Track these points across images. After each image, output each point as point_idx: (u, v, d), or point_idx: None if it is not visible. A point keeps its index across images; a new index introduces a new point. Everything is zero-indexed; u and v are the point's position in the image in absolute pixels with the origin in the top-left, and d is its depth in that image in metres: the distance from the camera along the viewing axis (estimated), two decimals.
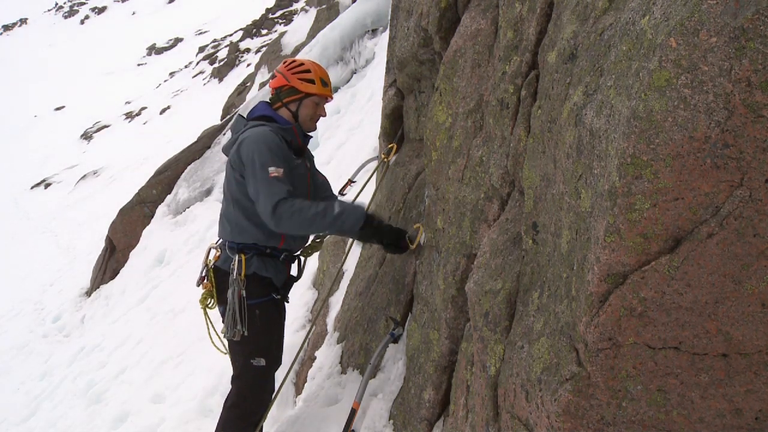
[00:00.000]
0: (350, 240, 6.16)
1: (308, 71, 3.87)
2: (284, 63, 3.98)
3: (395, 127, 5.66)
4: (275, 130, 3.70)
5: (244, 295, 3.71)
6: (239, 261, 3.73)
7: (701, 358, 1.87)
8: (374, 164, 6.30)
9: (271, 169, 3.47)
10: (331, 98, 4.01)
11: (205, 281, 3.90)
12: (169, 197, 13.17)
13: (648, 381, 1.92)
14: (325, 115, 3.99)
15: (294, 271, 4.13)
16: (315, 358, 5.13)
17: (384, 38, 10.79)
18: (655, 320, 1.86)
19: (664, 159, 1.71)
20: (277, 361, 4.02)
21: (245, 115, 3.92)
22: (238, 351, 3.81)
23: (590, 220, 1.97)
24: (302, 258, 4.20)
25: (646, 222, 1.78)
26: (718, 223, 1.73)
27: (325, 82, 3.91)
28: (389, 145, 5.58)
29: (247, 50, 32.75)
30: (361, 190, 5.42)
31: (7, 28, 76.89)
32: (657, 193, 1.74)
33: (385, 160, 5.60)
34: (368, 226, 3.68)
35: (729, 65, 1.60)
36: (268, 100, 3.97)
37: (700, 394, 1.91)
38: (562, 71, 2.36)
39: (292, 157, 3.74)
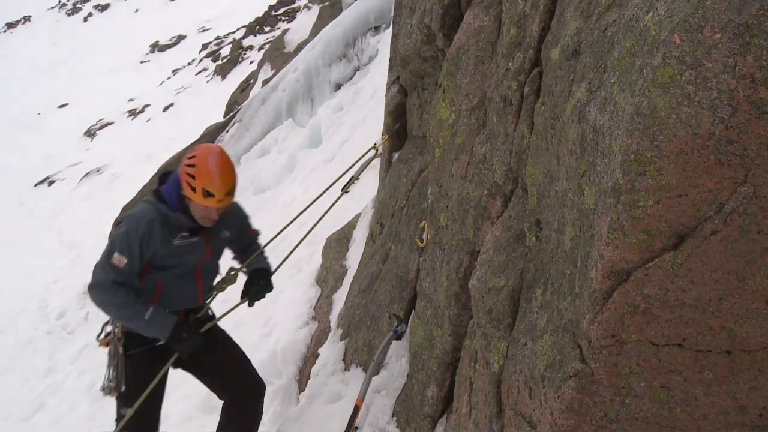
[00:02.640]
0: (353, 238, 6.17)
1: (193, 177, 3.44)
2: (189, 152, 3.59)
3: (398, 124, 5.66)
4: (158, 214, 3.55)
5: (122, 351, 3.72)
6: (115, 321, 3.76)
7: (705, 355, 1.87)
8: (378, 161, 6.31)
9: (115, 255, 3.47)
10: (221, 206, 3.54)
11: (102, 338, 3.88)
12: None
13: (651, 378, 1.92)
14: (216, 218, 3.61)
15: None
16: (318, 355, 5.13)
17: (387, 35, 10.78)
18: (658, 317, 1.86)
19: (668, 156, 1.70)
20: (147, 418, 3.65)
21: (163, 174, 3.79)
22: (116, 398, 3.74)
23: (594, 217, 1.97)
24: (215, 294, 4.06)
25: (650, 219, 1.77)
26: (722, 219, 1.73)
27: (207, 192, 3.43)
28: (384, 137, 5.61)
29: (250, 47, 32.74)
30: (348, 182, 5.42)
31: (10, 25, 76.96)
32: (661, 190, 1.74)
33: (376, 147, 5.63)
34: (175, 338, 3.62)
35: (733, 61, 1.60)
36: None
37: (703, 391, 1.91)
38: (566, 68, 2.35)
39: (171, 240, 3.56)
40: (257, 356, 5.85)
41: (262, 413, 4.00)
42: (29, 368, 10.59)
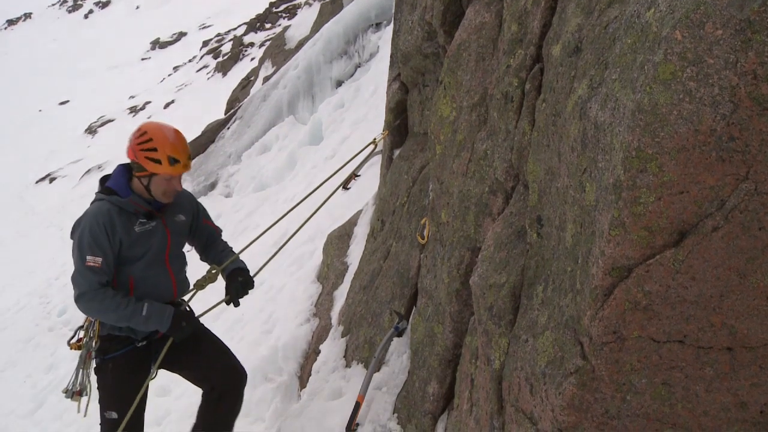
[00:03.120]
0: (354, 235, 6.17)
1: (154, 150, 3.49)
2: (134, 134, 3.62)
3: (399, 121, 5.66)
4: (112, 205, 3.58)
5: (94, 356, 3.73)
6: (92, 322, 3.76)
7: (706, 352, 1.87)
8: (379, 158, 6.31)
9: (88, 257, 3.48)
10: (186, 171, 3.64)
11: (74, 341, 3.87)
12: None
13: (652, 374, 1.92)
14: (180, 189, 3.69)
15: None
16: (319, 351, 5.14)
17: (388, 32, 10.76)
18: (659, 314, 1.86)
19: (669, 152, 1.70)
20: (136, 416, 3.67)
21: (109, 174, 3.79)
22: (99, 402, 3.75)
23: (595, 213, 1.97)
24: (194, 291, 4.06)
25: (651, 215, 1.77)
26: (723, 216, 1.73)
27: (174, 159, 3.51)
28: (383, 132, 5.62)
29: (251, 44, 32.70)
30: (348, 179, 5.41)
31: (11, 22, 76.95)
32: (662, 187, 1.74)
33: (375, 142, 5.64)
34: (176, 327, 3.66)
35: (735, 58, 1.59)
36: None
37: (704, 387, 1.91)
38: (567, 64, 2.35)
39: (132, 228, 3.58)
40: (258, 353, 5.86)
41: (242, 401, 3.99)
42: (31, 365, 10.60)
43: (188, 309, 3.88)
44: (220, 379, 3.90)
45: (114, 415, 3.60)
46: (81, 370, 3.80)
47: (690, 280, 1.80)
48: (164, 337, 3.79)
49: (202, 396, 3.96)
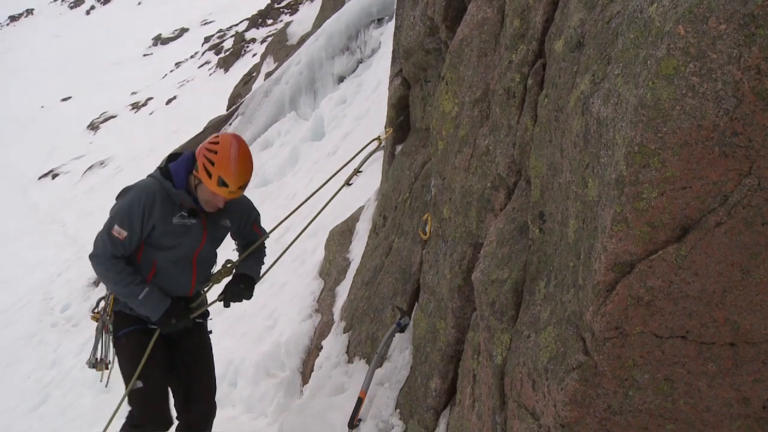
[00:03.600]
0: (356, 231, 6.17)
1: (212, 163, 3.47)
2: (211, 137, 3.63)
3: (402, 117, 5.65)
4: (161, 189, 3.59)
5: (111, 329, 3.82)
6: (108, 294, 3.88)
7: (709, 347, 1.87)
8: (381, 154, 6.30)
9: (116, 227, 3.52)
10: (232, 197, 3.61)
11: (95, 311, 3.98)
12: None
13: (655, 370, 1.92)
14: (221, 206, 3.67)
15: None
16: (322, 347, 5.15)
17: (390, 27, 10.75)
18: (662, 309, 1.85)
19: (672, 147, 1.70)
20: (158, 384, 3.71)
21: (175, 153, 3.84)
22: (123, 378, 3.77)
23: (597, 209, 1.96)
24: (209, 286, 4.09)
25: (654, 211, 1.77)
26: (726, 212, 1.72)
27: (223, 182, 3.46)
28: (387, 129, 5.62)
29: (253, 40, 32.68)
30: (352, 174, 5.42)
31: (13, 18, 76.94)
32: (664, 182, 1.73)
33: (379, 139, 5.65)
34: (164, 322, 3.67)
35: (738, 53, 1.59)
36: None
37: (707, 383, 1.91)
38: (569, 60, 2.35)
39: (170, 218, 3.59)
40: (260, 348, 5.87)
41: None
42: (35, 360, 10.64)
43: (187, 307, 3.86)
44: (194, 403, 3.89)
45: (139, 384, 3.62)
46: (99, 342, 3.89)
47: (693, 276, 1.80)
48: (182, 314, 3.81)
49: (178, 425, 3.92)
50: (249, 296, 4.04)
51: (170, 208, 3.59)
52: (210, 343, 4.06)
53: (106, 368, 3.99)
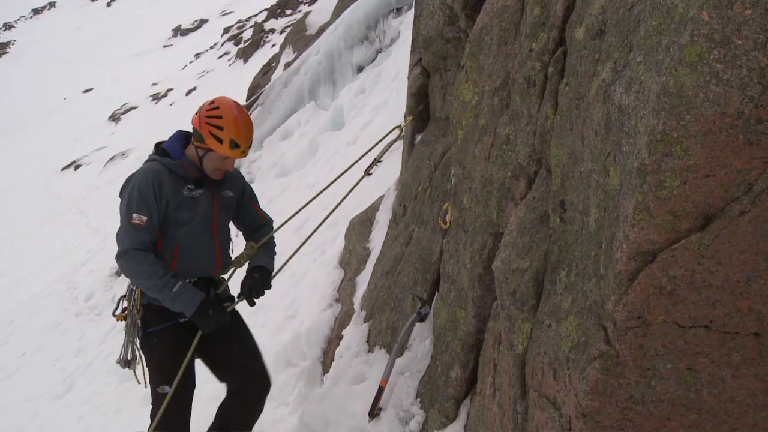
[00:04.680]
0: (376, 220, 6.18)
1: (220, 128, 3.51)
2: (206, 105, 3.66)
3: (421, 106, 5.64)
4: (163, 166, 3.61)
5: (139, 324, 3.71)
6: (132, 290, 3.76)
7: (732, 337, 1.85)
8: (400, 143, 6.29)
9: (134, 215, 3.49)
10: (243, 157, 3.68)
11: (118, 312, 3.88)
12: None
13: (677, 360, 1.91)
14: (231, 169, 3.74)
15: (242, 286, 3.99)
16: (342, 337, 5.17)
17: (409, 16, 10.71)
18: (685, 299, 1.84)
19: (695, 135, 1.68)
20: (186, 390, 3.67)
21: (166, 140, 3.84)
22: (149, 379, 3.75)
23: (619, 197, 1.95)
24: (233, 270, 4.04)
25: (676, 199, 1.75)
26: (750, 200, 1.70)
27: (235, 144, 3.53)
28: (407, 118, 5.61)
29: (272, 31, 32.73)
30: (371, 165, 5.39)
31: (36, 11, 77.84)
32: (687, 170, 1.72)
33: (401, 128, 5.64)
34: (201, 314, 3.60)
35: (764, 38, 1.57)
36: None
37: (731, 373, 1.89)
38: (590, 47, 2.33)
39: (180, 190, 3.61)
40: (281, 338, 5.91)
41: (262, 410, 3.94)
42: (60, 349, 10.80)
43: (217, 299, 3.84)
44: (247, 383, 3.87)
45: (167, 389, 3.57)
46: (129, 340, 3.80)
47: (716, 265, 1.79)
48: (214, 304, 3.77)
49: (226, 397, 3.93)
50: (268, 286, 3.99)
51: (177, 181, 3.62)
52: (246, 327, 4.04)
53: (133, 365, 3.89)
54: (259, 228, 4.13)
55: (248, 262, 4.04)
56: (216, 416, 3.92)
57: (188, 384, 3.69)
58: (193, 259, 3.69)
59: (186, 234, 3.65)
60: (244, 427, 3.89)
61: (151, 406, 3.67)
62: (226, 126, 3.51)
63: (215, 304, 3.67)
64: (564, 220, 2.51)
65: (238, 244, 4.02)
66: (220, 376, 3.95)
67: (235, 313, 3.96)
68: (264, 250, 4.08)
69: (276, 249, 4.20)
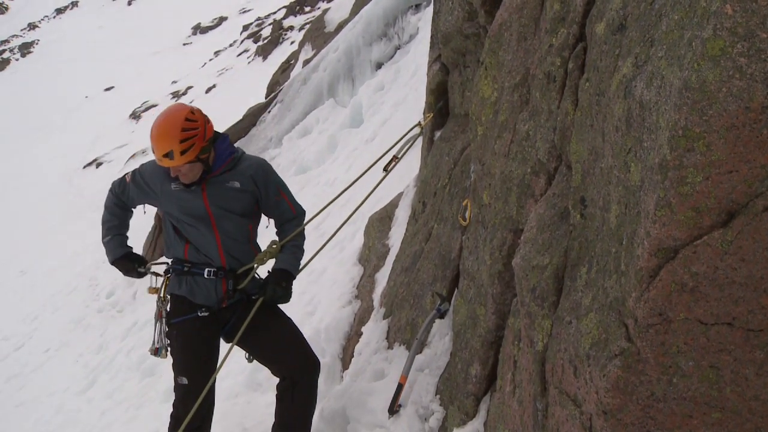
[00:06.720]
0: (395, 217, 6.18)
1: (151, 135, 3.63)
2: None
3: (441, 102, 5.63)
4: (153, 162, 3.88)
5: (164, 315, 3.95)
6: (159, 280, 4.05)
7: (756, 335, 1.83)
8: (420, 140, 6.28)
9: (128, 174, 4.02)
10: (165, 165, 3.68)
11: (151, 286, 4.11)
12: None
13: (700, 357, 1.89)
14: (184, 181, 3.75)
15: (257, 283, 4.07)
16: (362, 333, 5.18)
17: (428, 13, 10.68)
18: (707, 295, 1.82)
19: (718, 131, 1.66)
20: (198, 383, 3.71)
21: None
22: (172, 368, 3.87)
23: (640, 194, 1.93)
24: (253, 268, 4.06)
25: (699, 195, 1.74)
26: None
27: (153, 150, 3.62)
28: (427, 114, 5.60)
29: (291, 28, 32.81)
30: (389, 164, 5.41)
31: (59, 11, 78.80)
32: (710, 166, 1.70)
33: (421, 125, 5.64)
34: (120, 266, 4.10)
35: None
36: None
37: (755, 371, 1.87)
38: (611, 42, 2.31)
39: (168, 184, 3.83)
40: None
41: (316, 390, 4.01)
42: (83, 345, 10.94)
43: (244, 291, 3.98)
44: (292, 363, 3.94)
45: (184, 380, 3.72)
46: (159, 329, 3.99)
47: (739, 262, 1.77)
48: (229, 307, 3.91)
49: (277, 391, 4.00)
50: (287, 299, 4.01)
51: (165, 176, 3.83)
52: (283, 314, 4.13)
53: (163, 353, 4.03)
54: (289, 221, 4.14)
55: (272, 259, 4.08)
56: (276, 416, 4.01)
57: (202, 377, 3.76)
58: (196, 249, 3.88)
59: (186, 225, 3.85)
60: (302, 419, 3.97)
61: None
62: (152, 132, 3.62)
63: (128, 266, 4.08)
64: (584, 217, 2.49)
65: (270, 235, 4.15)
66: (266, 360, 4.09)
67: (268, 310, 4.01)
68: (289, 249, 4.09)
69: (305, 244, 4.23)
